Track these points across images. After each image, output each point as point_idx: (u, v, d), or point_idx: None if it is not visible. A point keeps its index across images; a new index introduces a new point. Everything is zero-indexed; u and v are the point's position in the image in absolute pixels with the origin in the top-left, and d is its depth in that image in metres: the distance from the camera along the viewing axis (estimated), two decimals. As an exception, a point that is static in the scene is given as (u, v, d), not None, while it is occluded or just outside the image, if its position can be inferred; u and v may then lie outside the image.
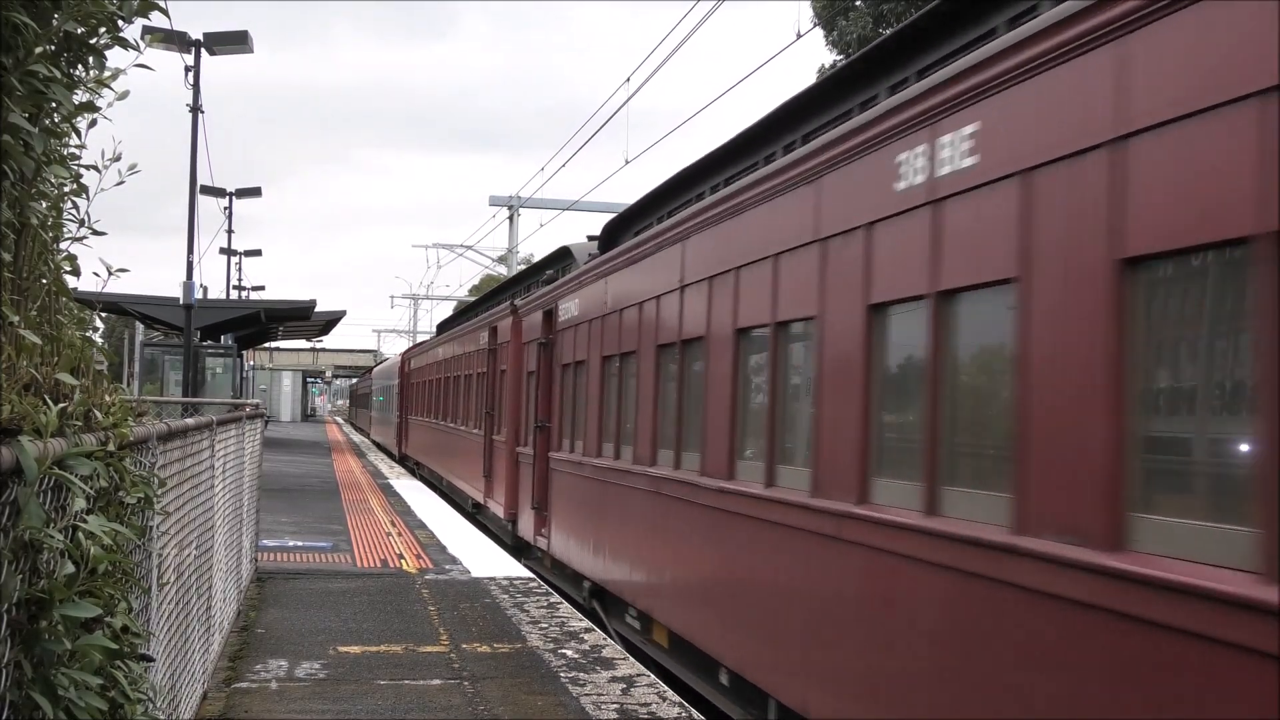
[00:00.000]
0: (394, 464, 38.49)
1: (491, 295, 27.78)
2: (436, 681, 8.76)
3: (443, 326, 36.97)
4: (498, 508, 18.99)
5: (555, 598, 12.69)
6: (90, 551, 2.93)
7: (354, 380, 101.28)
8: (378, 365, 66.06)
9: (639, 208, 13.28)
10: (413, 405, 37.27)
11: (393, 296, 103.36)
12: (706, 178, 10.80)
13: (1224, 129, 3.86)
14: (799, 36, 17.00)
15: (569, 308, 14.53)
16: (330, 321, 41.14)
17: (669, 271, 10.18)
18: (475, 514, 22.18)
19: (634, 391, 11.23)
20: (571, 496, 13.99)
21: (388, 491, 26.46)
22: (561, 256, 17.93)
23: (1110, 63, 4.42)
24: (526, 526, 16.82)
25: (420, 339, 64.08)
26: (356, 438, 61.95)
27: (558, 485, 14.83)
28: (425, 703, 8.15)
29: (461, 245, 49.91)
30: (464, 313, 32.98)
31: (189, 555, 6.79)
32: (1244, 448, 3.88)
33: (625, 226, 13.80)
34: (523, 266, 34.61)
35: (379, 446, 50.91)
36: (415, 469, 35.18)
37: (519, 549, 17.44)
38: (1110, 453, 4.29)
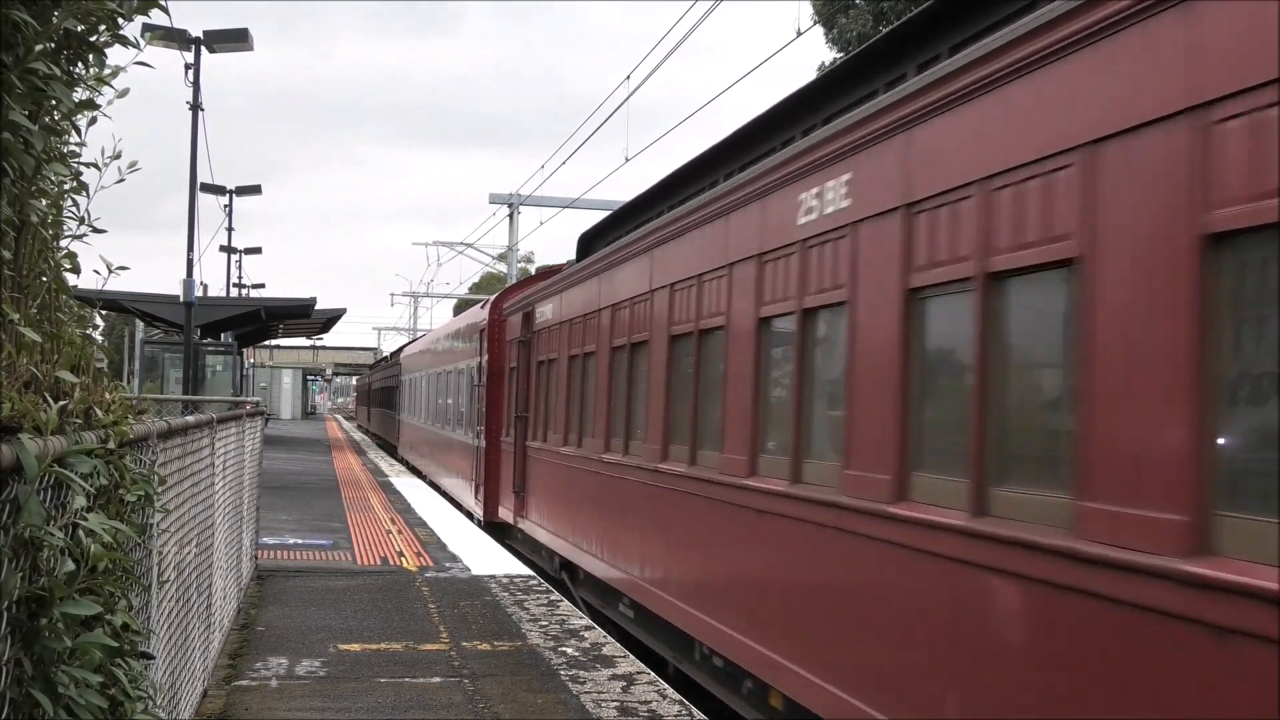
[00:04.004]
0: (394, 461, 37.97)
1: None
2: (437, 679, 8.76)
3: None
4: None
5: (555, 595, 12.68)
6: (90, 549, 2.93)
7: (361, 375, 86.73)
8: (412, 342, 43.25)
9: None
10: (624, 415, 12.13)
11: (393, 294, 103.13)
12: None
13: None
14: (799, 34, 16.99)
15: None
16: (330, 319, 41.09)
17: None
18: None
19: None
20: None
21: (388, 489, 26.45)
22: None
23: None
24: None
25: (420, 339, 39.52)
26: (358, 435, 61.52)
27: None
28: (425, 701, 8.15)
29: (462, 243, 49.82)
30: None
31: (189, 553, 6.79)
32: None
33: None
34: (523, 264, 32.66)
35: (414, 471, 33.08)
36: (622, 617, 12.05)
37: None
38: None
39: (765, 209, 8.16)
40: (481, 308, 21.97)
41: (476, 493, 20.61)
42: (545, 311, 16.26)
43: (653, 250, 10.93)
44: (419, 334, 51.74)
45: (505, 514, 18.39)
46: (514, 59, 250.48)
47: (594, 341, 12.99)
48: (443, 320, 54.90)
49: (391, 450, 43.46)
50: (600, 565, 12.21)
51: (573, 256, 17.86)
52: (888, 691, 6.12)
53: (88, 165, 3.89)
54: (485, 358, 20.01)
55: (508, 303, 19.57)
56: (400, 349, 48.96)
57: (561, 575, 14.59)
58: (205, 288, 38.31)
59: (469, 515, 20.88)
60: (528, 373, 17.13)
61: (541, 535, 15.56)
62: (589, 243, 15.86)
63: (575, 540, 13.48)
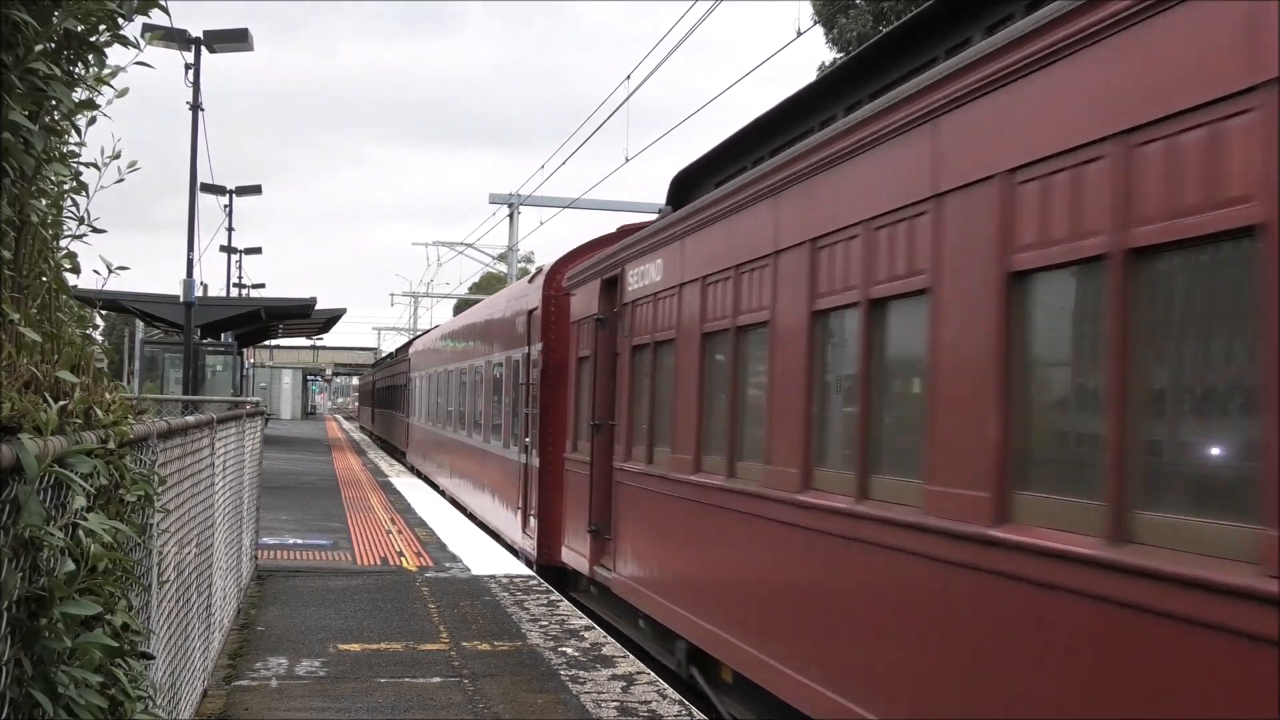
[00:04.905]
0: (394, 461, 37.94)
1: None
2: (437, 679, 8.76)
3: None
4: None
5: (555, 595, 12.68)
6: (90, 549, 2.93)
7: (363, 374, 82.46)
8: (424, 334, 37.28)
9: None
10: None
11: (393, 294, 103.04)
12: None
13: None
14: (799, 34, 17.00)
15: None
16: (330, 319, 41.10)
17: None
18: None
19: None
20: None
21: (387, 489, 26.45)
22: None
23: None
24: None
25: (435, 330, 33.60)
26: (358, 435, 61.44)
27: None
28: (425, 701, 8.15)
29: (461, 243, 49.86)
30: None
31: (189, 553, 6.79)
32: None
33: None
34: (523, 264, 32.12)
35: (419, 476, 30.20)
36: None
37: None
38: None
39: None
40: (530, 281, 17.27)
41: (525, 524, 16.03)
42: (647, 273, 11.09)
43: (939, 119, 5.85)
44: (419, 333, 47.75)
45: (574, 558, 13.43)
46: (514, 59, 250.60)
47: (765, 306, 8.05)
48: (443, 320, 54.26)
49: (399, 457, 38.91)
50: (784, 679, 7.35)
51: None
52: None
53: (87, 165, 3.89)
54: (539, 346, 15.54)
55: (573, 270, 14.26)
56: (409, 342, 43.11)
57: (691, 673, 9.58)
58: (205, 288, 38.33)
59: (511, 550, 16.46)
60: (611, 364, 12.27)
61: (645, 602, 10.56)
62: (687, 186, 11.28)
63: (721, 625, 8.57)
